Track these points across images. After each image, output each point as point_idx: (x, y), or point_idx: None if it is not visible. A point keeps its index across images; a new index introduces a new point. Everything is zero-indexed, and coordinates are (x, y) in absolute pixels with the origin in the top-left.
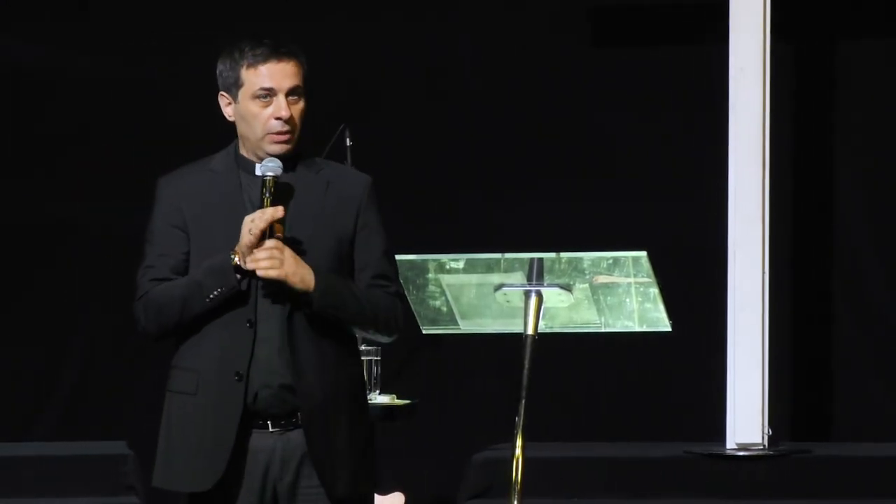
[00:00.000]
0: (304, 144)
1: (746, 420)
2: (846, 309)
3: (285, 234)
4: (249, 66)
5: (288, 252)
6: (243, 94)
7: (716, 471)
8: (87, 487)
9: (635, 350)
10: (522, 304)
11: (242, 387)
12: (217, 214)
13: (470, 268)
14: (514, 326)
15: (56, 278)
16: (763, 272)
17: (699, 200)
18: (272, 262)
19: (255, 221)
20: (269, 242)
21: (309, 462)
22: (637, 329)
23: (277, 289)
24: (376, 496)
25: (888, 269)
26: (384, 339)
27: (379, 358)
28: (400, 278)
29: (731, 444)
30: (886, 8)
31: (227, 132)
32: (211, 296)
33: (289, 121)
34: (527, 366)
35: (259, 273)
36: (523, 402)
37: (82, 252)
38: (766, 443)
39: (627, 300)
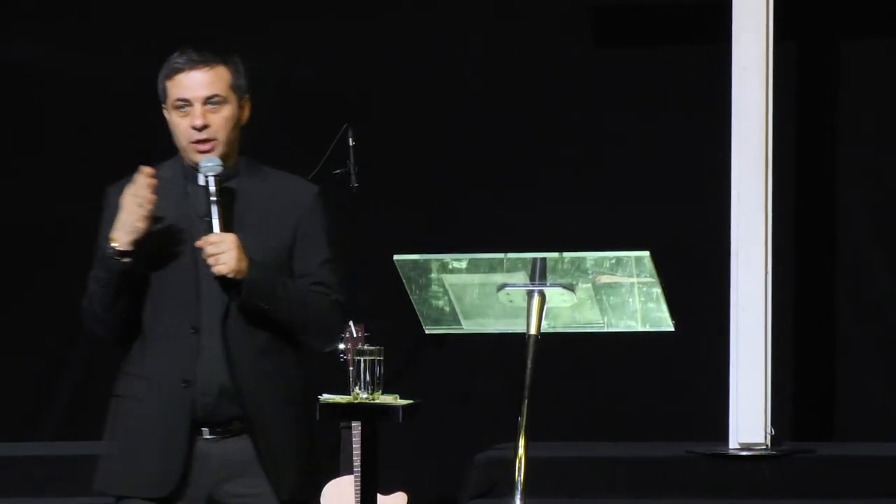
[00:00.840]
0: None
1: (749, 420)
2: (848, 308)
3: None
4: (167, 77)
5: (229, 241)
6: (168, 105)
7: (718, 471)
8: (89, 488)
9: (638, 350)
10: (525, 304)
11: (189, 393)
12: (163, 222)
13: (473, 267)
14: (517, 326)
15: (57, 278)
16: (765, 272)
17: (701, 200)
18: (215, 258)
19: (137, 197)
20: (213, 237)
21: (248, 468)
22: (640, 329)
23: (225, 287)
24: (379, 496)
25: (890, 268)
26: (319, 345)
27: (381, 358)
28: (403, 279)
29: (733, 443)
30: (888, 7)
31: None
32: (102, 282)
33: (205, 129)
34: (529, 366)
35: (213, 270)
36: (526, 401)
37: (84, 252)
38: (768, 443)
39: (630, 300)
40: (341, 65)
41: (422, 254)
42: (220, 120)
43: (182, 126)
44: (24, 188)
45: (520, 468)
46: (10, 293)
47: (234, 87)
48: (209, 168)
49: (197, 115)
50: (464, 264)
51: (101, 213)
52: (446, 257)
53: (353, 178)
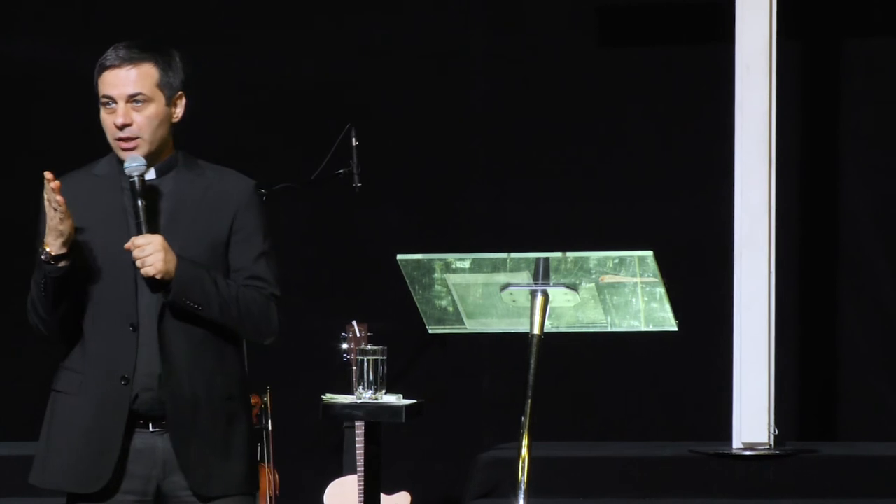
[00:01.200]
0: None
1: (752, 420)
2: (852, 308)
3: (160, 233)
4: (98, 72)
5: (156, 243)
6: (99, 101)
7: (721, 470)
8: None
9: (641, 350)
10: (528, 304)
11: (128, 390)
12: (98, 218)
13: (476, 267)
14: (520, 326)
15: None
16: (769, 271)
17: (705, 199)
18: (141, 260)
19: (49, 202)
20: (139, 239)
21: (179, 466)
22: (643, 329)
23: (155, 288)
24: (382, 495)
25: (894, 267)
26: (256, 339)
27: (385, 358)
28: (406, 278)
29: (736, 443)
30: (892, 6)
31: (219, 133)
32: (42, 286)
33: (126, 128)
34: (533, 365)
35: (141, 273)
36: (529, 401)
37: None
38: (772, 442)
39: (633, 300)
40: (344, 64)
41: (425, 253)
42: (143, 119)
43: (108, 123)
44: (29, 186)
45: (523, 468)
46: (15, 291)
47: (162, 86)
48: (133, 168)
49: (120, 112)
50: (467, 264)
51: (40, 217)
52: (449, 257)
53: (356, 177)
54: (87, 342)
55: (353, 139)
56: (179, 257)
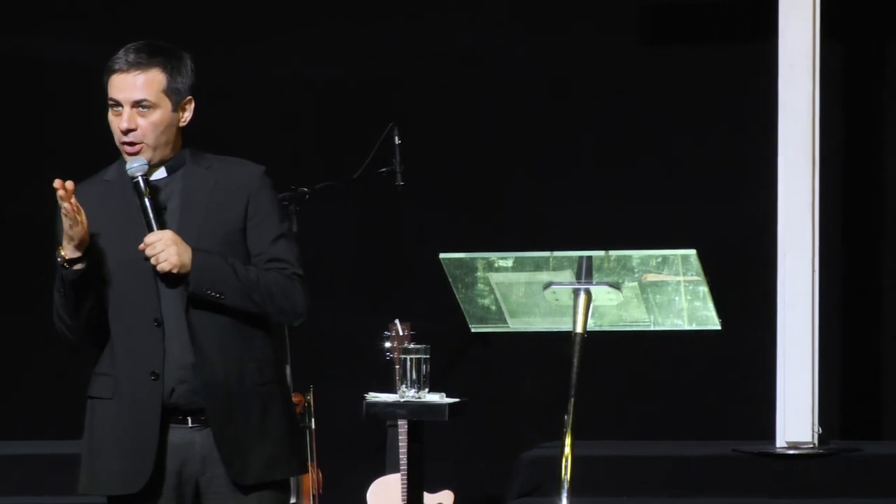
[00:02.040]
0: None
1: (796, 418)
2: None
3: (174, 229)
4: (106, 75)
5: (166, 239)
6: (108, 103)
7: (765, 469)
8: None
9: (684, 348)
10: (571, 303)
11: (159, 385)
12: (112, 222)
13: (519, 266)
14: (563, 325)
15: None
16: (812, 270)
17: (748, 198)
18: (155, 257)
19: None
20: (150, 237)
21: (220, 458)
22: (686, 327)
23: (173, 283)
24: (425, 494)
25: None
26: (285, 321)
27: (428, 356)
28: (449, 277)
29: (780, 442)
30: None
31: (264, 132)
32: (61, 291)
33: (131, 132)
34: (576, 364)
35: (157, 269)
36: (572, 400)
37: None
38: (815, 441)
39: (677, 298)
40: (387, 63)
41: (467, 252)
42: (148, 124)
43: (114, 125)
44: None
45: (566, 466)
46: (34, 291)
47: (169, 92)
48: (135, 169)
49: (125, 117)
50: (510, 263)
51: (55, 223)
52: (492, 256)
53: (398, 176)
54: (114, 344)
55: (396, 138)
56: (194, 249)
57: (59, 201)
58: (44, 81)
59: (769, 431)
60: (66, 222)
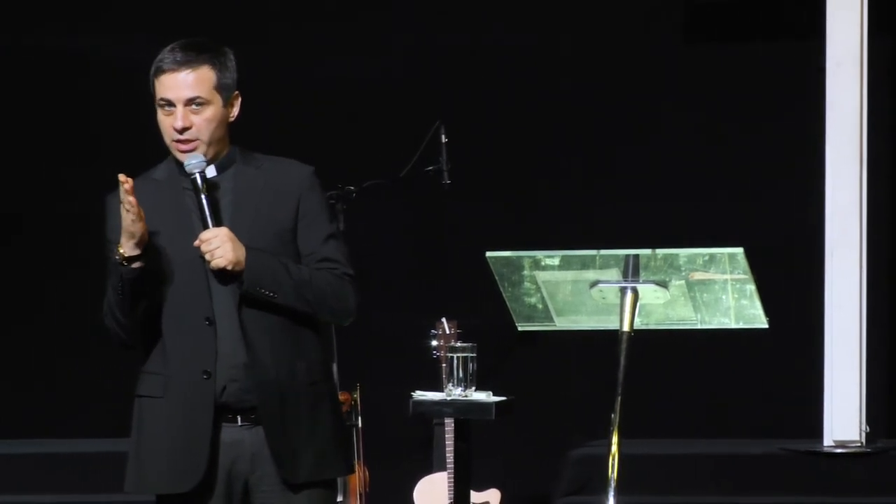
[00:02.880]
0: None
1: (844, 417)
2: None
3: (226, 227)
4: (154, 74)
5: (222, 236)
6: (156, 102)
7: (813, 468)
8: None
9: (731, 347)
10: (618, 301)
11: (211, 384)
12: (163, 221)
13: (565, 264)
14: (610, 323)
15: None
16: (860, 269)
17: (796, 196)
18: (210, 253)
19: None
20: (206, 234)
21: (271, 456)
22: (733, 326)
23: (226, 280)
24: (472, 492)
25: None
26: (336, 321)
27: (474, 354)
28: (496, 276)
29: (828, 441)
30: None
31: (311, 130)
32: (118, 290)
33: (186, 131)
34: (622, 362)
35: (211, 266)
36: (619, 398)
37: None
38: (863, 440)
39: (724, 297)
40: (434, 62)
41: (514, 251)
42: (202, 122)
43: (166, 125)
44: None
45: (613, 465)
46: (72, 287)
47: (220, 87)
48: (193, 166)
49: (179, 116)
50: (556, 261)
51: (105, 222)
52: (539, 254)
53: (445, 175)
54: (165, 343)
55: (443, 136)
56: (247, 247)
57: (123, 196)
58: (77, 80)
59: (817, 430)
60: (127, 218)
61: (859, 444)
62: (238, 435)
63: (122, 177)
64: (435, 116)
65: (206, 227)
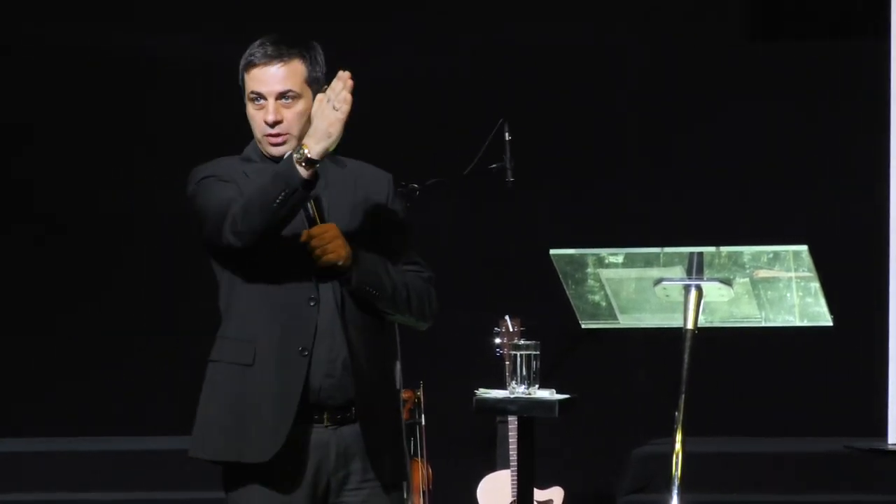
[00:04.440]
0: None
1: None
2: None
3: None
4: (245, 68)
5: (334, 231)
6: (246, 95)
7: (877, 466)
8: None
9: (796, 345)
10: (682, 299)
11: (306, 361)
12: None
13: (629, 262)
14: (674, 321)
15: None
16: None
17: (861, 194)
18: (322, 248)
19: (330, 101)
20: (316, 229)
21: (359, 454)
22: (798, 324)
23: (329, 277)
24: (536, 490)
25: None
26: (419, 324)
27: (538, 352)
28: (560, 273)
29: (892, 439)
30: None
31: (377, 126)
32: (272, 196)
33: (277, 125)
34: (686, 360)
35: (322, 262)
36: (683, 396)
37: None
38: None
39: (788, 294)
40: (498, 60)
41: (578, 248)
42: (293, 115)
43: (257, 118)
44: (130, 177)
45: (677, 463)
46: (122, 284)
47: (310, 81)
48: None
49: (270, 110)
50: (620, 259)
51: (200, 184)
52: (602, 252)
53: (509, 173)
54: (260, 312)
55: (507, 134)
56: (352, 245)
57: (338, 89)
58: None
59: (881, 428)
60: (332, 115)
61: None
62: (325, 435)
63: (345, 74)
64: (499, 114)
65: (314, 223)
